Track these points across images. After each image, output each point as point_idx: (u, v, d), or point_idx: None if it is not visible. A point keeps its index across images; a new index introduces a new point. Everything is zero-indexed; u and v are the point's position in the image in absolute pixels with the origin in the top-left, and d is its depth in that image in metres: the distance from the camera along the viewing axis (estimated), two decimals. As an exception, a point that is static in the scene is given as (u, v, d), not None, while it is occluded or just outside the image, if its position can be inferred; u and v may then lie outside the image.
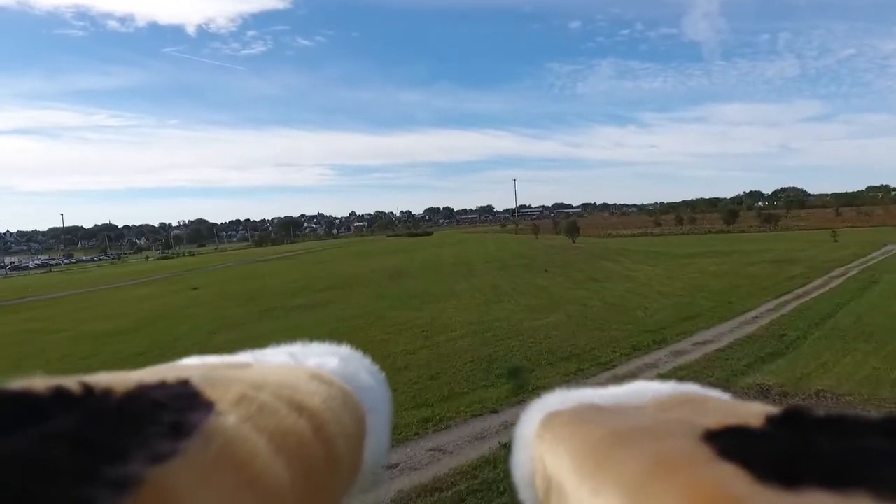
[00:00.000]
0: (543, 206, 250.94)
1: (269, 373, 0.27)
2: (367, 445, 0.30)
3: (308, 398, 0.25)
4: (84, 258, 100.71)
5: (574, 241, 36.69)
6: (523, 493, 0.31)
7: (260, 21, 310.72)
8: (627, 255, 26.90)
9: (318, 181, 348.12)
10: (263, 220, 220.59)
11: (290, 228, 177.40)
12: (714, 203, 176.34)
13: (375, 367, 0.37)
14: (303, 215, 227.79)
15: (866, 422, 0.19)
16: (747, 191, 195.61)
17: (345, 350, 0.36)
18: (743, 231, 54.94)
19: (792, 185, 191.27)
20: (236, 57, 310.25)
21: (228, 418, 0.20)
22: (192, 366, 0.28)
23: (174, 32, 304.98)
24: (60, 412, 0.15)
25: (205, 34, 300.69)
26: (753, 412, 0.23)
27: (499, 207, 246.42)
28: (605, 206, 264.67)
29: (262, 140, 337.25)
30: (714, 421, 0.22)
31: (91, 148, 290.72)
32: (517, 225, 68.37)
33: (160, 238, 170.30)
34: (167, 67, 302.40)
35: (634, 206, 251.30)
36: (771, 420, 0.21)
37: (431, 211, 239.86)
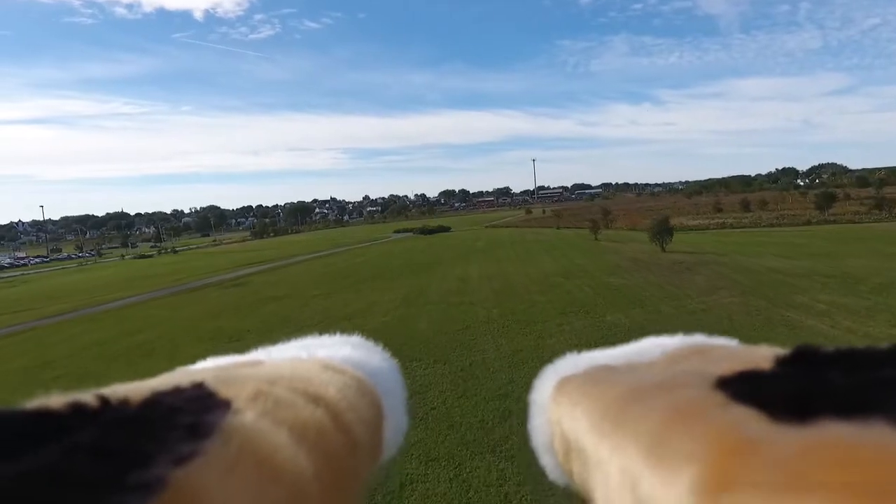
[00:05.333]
0: (563, 187, 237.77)
1: (281, 367, 0.28)
2: (386, 429, 0.30)
3: (323, 388, 0.25)
4: (63, 255, 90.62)
5: (665, 249, 24.51)
6: (543, 458, 0.32)
7: (267, 4, 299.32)
8: (807, 289, 14.74)
9: (331, 165, 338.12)
10: (276, 206, 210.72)
11: (298, 215, 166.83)
12: (748, 182, 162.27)
13: (387, 353, 0.37)
14: (315, 200, 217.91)
15: (876, 354, 0.19)
16: (779, 167, 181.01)
17: (355, 338, 0.36)
18: (853, 221, 42.27)
19: (829, 162, 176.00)
20: (245, 41, 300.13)
21: (246, 415, 0.20)
22: (204, 369, 0.29)
23: (182, 18, 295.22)
24: (80, 425, 0.16)
25: (212, 19, 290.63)
26: (763, 355, 0.23)
27: (516, 189, 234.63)
28: (626, 185, 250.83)
29: (274, 125, 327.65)
30: (725, 367, 0.22)
31: (107, 136, 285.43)
32: (559, 217, 55.30)
33: (172, 226, 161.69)
34: (177, 53, 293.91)
35: (658, 185, 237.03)
36: (781, 361, 0.21)
37: (447, 194, 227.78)
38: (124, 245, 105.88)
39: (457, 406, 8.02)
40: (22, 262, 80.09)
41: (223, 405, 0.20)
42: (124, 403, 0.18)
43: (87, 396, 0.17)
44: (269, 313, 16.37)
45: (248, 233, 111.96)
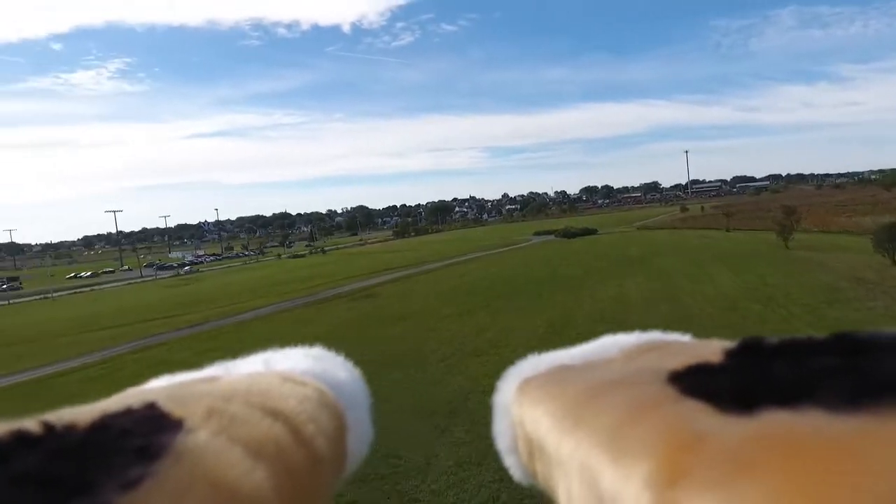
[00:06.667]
0: (721, 181, 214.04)
1: (238, 382, 0.27)
2: (349, 441, 0.30)
3: (282, 402, 0.25)
4: (233, 254, 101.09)
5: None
6: (507, 460, 0.33)
7: (407, 12, 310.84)
8: None
9: (470, 164, 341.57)
10: (418, 205, 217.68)
11: (439, 214, 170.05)
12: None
13: (350, 364, 0.36)
14: (455, 199, 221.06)
15: (815, 343, 0.20)
16: None
17: (317, 350, 0.36)
18: None
19: None
20: (388, 49, 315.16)
21: (199, 434, 0.19)
22: (158, 387, 0.28)
23: (333, 32, 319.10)
24: (21, 454, 0.15)
25: (359, 30, 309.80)
26: (713, 349, 0.24)
27: (666, 183, 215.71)
28: (799, 176, 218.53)
29: (415, 127, 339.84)
30: (678, 363, 0.23)
31: (272, 145, 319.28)
32: (728, 216, 46.95)
33: (326, 225, 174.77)
34: (329, 66, 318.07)
35: (841, 175, 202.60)
36: (728, 354, 0.22)
37: (588, 190, 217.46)
38: (282, 244, 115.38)
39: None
40: (200, 259, 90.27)
41: (175, 425, 0.19)
42: (70, 428, 0.18)
43: (31, 423, 0.17)
44: (391, 339, 14.33)
45: (391, 232, 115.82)
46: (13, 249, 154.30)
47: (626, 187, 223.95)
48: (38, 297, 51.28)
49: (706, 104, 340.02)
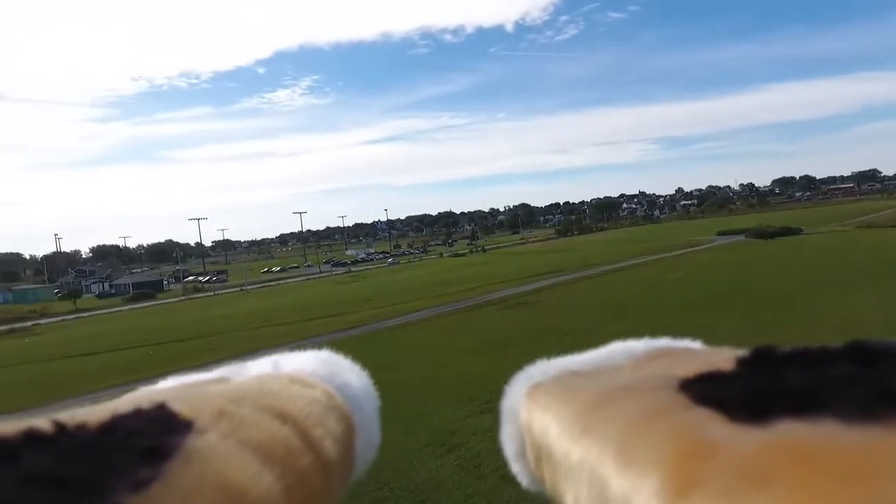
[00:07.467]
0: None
1: (247, 384, 0.27)
2: (357, 443, 0.30)
3: (290, 404, 0.25)
4: (399, 251, 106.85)
5: None
6: (514, 466, 0.32)
7: (570, 4, 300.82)
8: None
9: (639, 157, 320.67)
10: (582, 202, 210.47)
11: (605, 211, 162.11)
12: None
13: (357, 366, 0.36)
14: (622, 195, 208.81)
15: (830, 351, 0.20)
16: None
17: (324, 353, 0.36)
18: None
19: None
20: (551, 44, 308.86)
21: (209, 436, 0.19)
22: (167, 388, 0.28)
23: (496, 33, 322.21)
24: (33, 453, 0.15)
25: (522, 28, 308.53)
26: (725, 357, 0.23)
27: (887, 171, 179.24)
28: None
29: (579, 121, 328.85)
30: (689, 370, 0.23)
31: (438, 147, 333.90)
32: None
33: (488, 224, 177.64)
34: (492, 66, 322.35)
35: None
36: (741, 362, 0.22)
37: (783, 182, 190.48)
38: (444, 243, 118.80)
39: None
40: (370, 257, 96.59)
41: (185, 426, 0.19)
42: (81, 428, 0.18)
43: (42, 422, 0.17)
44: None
45: (552, 230, 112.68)
46: (226, 246, 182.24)
47: (833, 177, 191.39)
48: (236, 289, 58.85)
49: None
